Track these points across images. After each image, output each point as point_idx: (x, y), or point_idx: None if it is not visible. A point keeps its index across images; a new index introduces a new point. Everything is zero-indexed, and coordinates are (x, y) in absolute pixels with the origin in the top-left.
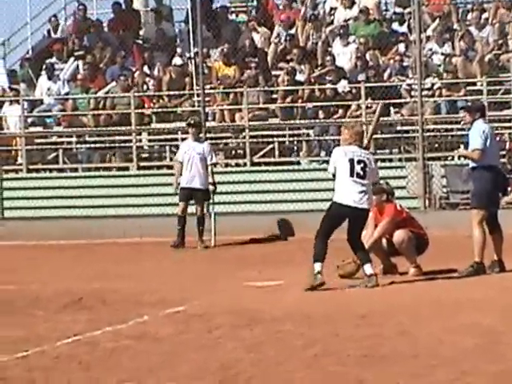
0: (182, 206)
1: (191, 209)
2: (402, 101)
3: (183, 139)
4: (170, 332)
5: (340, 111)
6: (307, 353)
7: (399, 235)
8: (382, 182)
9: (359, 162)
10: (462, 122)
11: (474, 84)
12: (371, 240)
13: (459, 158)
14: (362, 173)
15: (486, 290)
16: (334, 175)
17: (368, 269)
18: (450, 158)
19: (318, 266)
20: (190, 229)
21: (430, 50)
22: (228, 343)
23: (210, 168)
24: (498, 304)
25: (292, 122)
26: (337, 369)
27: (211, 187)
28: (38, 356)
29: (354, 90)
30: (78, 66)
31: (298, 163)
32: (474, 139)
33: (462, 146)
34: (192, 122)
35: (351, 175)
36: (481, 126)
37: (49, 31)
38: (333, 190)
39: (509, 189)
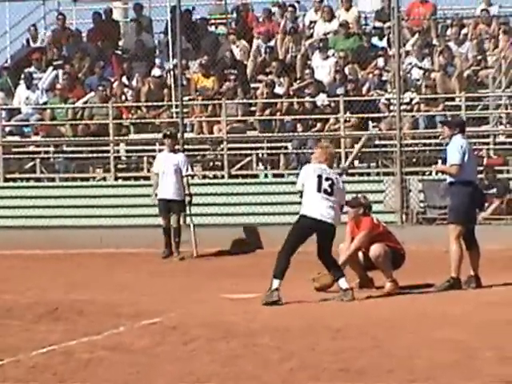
0: (163, 218)
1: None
2: (381, 115)
3: (161, 150)
4: (146, 344)
5: (318, 125)
6: (283, 367)
7: (376, 249)
8: (359, 195)
9: (327, 179)
10: (441, 137)
11: (453, 99)
12: (348, 253)
13: (437, 173)
14: (329, 189)
15: (462, 306)
16: (300, 192)
17: (343, 283)
18: (427, 173)
19: (276, 283)
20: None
21: (410, 64)
22: (204, 356)
23: (185, 179)
24: (473, 320)
25: (270, 134)
26: (312, 383)
27: (187, 198)
28: (13, 366)
29: (332, 104)
30: (56, 76)
31: (282, 176)
32: (452, 154)
33: (439, 162)
34: (168, 133)
35: (318, 191)
36: (459, 141)
37: (28, 40)
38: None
39: (486, 204)
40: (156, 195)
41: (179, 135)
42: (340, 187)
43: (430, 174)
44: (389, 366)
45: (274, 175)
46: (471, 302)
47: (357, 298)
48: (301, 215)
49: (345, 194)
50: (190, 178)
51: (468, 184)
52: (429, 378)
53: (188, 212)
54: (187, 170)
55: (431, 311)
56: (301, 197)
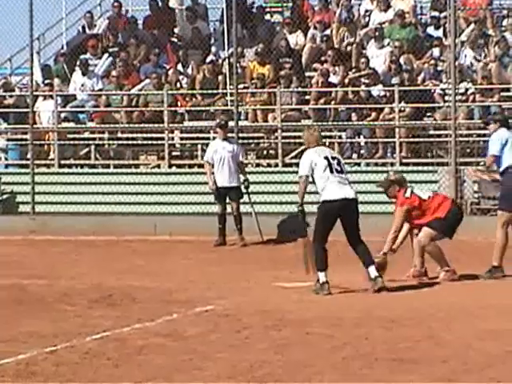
0: (220, 205)
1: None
2: (436, 105)
3: (215, 138)
4: (199, 331)
5: (373, 114)
6: (336, 356)
7: (420, 240)
8: (390, 172)
9: (333, 158)
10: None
11: (508, 90)
12: (389, 237)
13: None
14: (339, 168)
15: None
16: (306, 176)
17: (372, 271)
18: (482, 164)
19: (322, 276)
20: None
21: (465, 55)
22: (256, 344)
23: (241, 166)
24: None
25: (325, 123)
26: (365, 372)
27: (245, 183)
28: (67, 351)
29: (387, 94)
30: (112, 63)
31: None
32: (491, 145)
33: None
34: (223, 122)
35: (331, 171)
36: (500, 133)
37: (83, 27)
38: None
39: None
40: (215, 182)
41: (234, 123)
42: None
43: (485, 164)
44: (443, 356)
45: None
46: None
47: (410, 286)
48: (324, 201)
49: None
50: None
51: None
52: (483, 368)
53: (248, 199)
54: (242, 156)
55: (485, 302)
56: (302, 187)
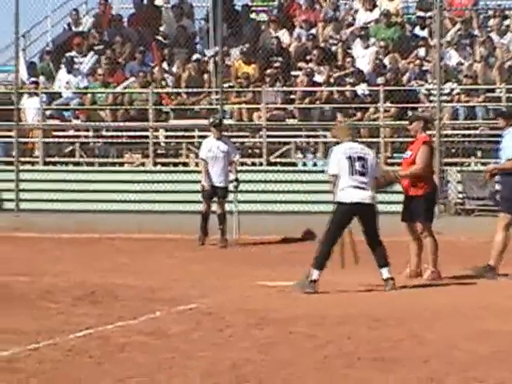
0: (206, 203)
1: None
2: (421, 105)
3: (200, 136)
4: (182, 329)
5: (358, 114)
6: (318, 354)
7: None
8: (419, 110)
9: (359, 158)
10: (498, 126)
11: (493, 90)
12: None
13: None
14: (362, 170)
15: (503, 297)
16: (334, 175)
17: (385, 273)
18: (466, 164)
19: (315, 275)
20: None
21: (451, 55)
22: (239, 342)
23: (234, 165)
24: (506, 311)
25: (310, 123)
26: (347, 372)
27: (234, 183)
28: (50, 348)
29: (372, 93)
30: (97, 61)
31: (314, 164)
32: (510, 147)
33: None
34: (217, 121)
35: (351, 173)
36: None
37: (69, 25)
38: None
39: None
40: (208, 183)
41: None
42: (373, 163)
43: (469, 164)
44: (425, 356)
45: (314, 164)
46: (506, 293)
47: (397, 287)
48: (339, 202)
49: (379, 168)
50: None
51: None
52: (466, 369)
53: (233, 198)
54: (236, 155)
55: (471, 302)
56: (333, 183)
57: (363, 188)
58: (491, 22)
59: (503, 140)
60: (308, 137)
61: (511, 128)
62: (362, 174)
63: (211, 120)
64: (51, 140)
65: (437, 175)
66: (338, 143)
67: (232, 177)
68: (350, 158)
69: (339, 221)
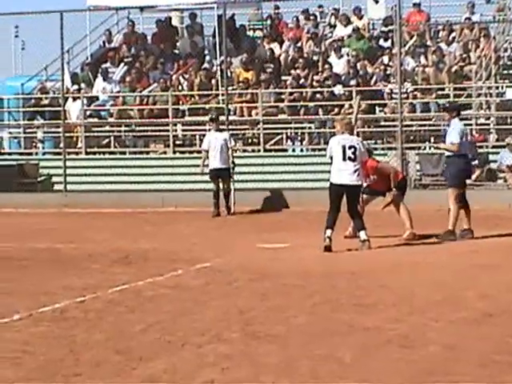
0: (214, 184)
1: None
2: (386, 102)
3: (210, 129)
4: (199, 283)
5: (336, 109)
6: (308, 301)
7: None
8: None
9: (350, 147)
10: (444, 119)
11: (443, 89)
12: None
13: (435, 148)
14: (353, 156)
15: (448, 254)
16: (331, 158)
17: (363, 235)
18: (423, 148)
19: (327, 232)
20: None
21: (408, 62)
22: (244, 293)
23: (230, 151)
24: (457, 265)
25: (297, 117)
26: (332, 315)
27: (231, 165)
28: (93, 301)
29: (347, 93)
30: (127, 70)
31: (301, 150)
32: (453, 135)
33: (433, 142)
34: (213, 117)
35: (344, 159)
36: (457, 124)
37: (104, 42)
38: (322, 172)
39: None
40: (203, 170)
41: (225, 118)
42: (362, 150)
43: (425, 148)
44: (393, 301)
45: (301, 150)
46: (456, 251)
47: (373, 247)
48: (331, 183)
49: (365, 153)
50: (233, 150)
51: (464, 157)
52: (425, 311)
53: (232, 178)
54: (231, 143)
55: (425, 258)
56: (331, 163)
57: (351, 171)
58: (441, 34)
59: (448, 130)
60: (296, 128)
61: (454, 119)
62: (353, 160)
63: (210, 115)
64: (91, 134)
65: (400, 157)
66: (334, 134)
67: (231, 160)
68: (343, 146)
69: (334, 197)
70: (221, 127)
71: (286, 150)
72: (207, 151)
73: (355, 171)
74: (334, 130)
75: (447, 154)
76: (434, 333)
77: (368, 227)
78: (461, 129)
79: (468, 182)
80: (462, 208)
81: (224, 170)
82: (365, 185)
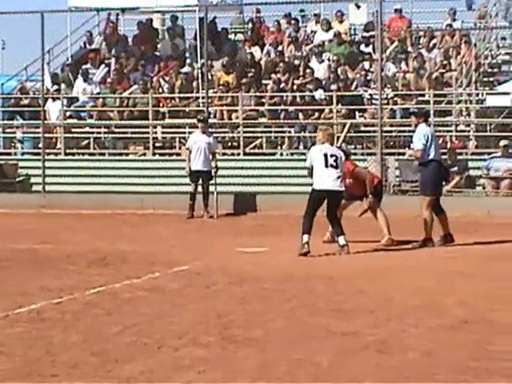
0: (194, 185)
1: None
2: (366, 107)
3: (190, 132)
4: (177, 286)
5: (316, 114)
6: (286, 306)
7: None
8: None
9: (332, 155)
10: (412, 124)
11: (423, 95)
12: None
13: (410, 155)
14: (334, 164)
15: (426, 260)
16: (310, 168)
17: (341, 240)
18: (402, 154)
19: (305, 238)
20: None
21: (389, 67)
22: (223, 297)
23: (215, 155)
24: (435, 271)
25: (277, 121)
26: (310, 319)
27: (214, 169)
28: (70, 302)
29: (327, 98)
30: (107, 72)
31: (281, 154)
32: (416, 141)
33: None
34: (202, 118)
35: (326, 166)
36: (422, 129)
37: (85, 43)
38: (302, 176)
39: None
40: (190, 168)
41: None
42: (343, 160)
43: (404, 154)
44: (370, 307)
45: (281, 154)
46: (434, 257)
47: (351, 252)
48: (313, 189)
49: (344, 165)
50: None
51: (433, 162)
52: (403, 316)
53: (214, 181)
54: (217, 147)
55: (404, 264)
56: (309, 173)
57: (333, 178)
58: (422, 41)
59: (413, 135)
60: (276, 132)
61: (420, 125)
62: (334, 167)
63: (198, 116)
64: (70, 135)
65: (379, 163)
66: (314, 138)
67: (213, 164)
68: (325, 154)
69: (313, 203)
70: (207, 130)
71: (265, 154)
72: (190, 151)
73: (338, 177)
74: (316, 137)
75: (423, 160)
76: (413, 339)
77: (346, 233)
78: (424, 134)
79: (447, 188)
80: (437, 215)
81: (205, 172)
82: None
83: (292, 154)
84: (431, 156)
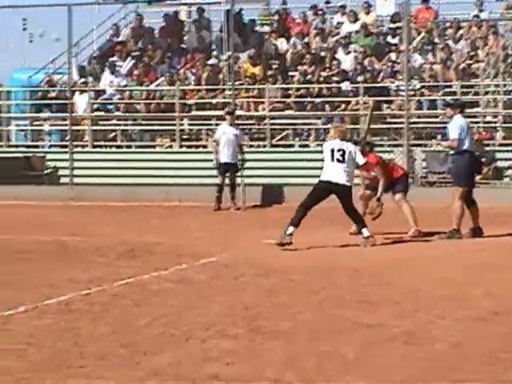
0: (221, 177)
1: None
2: (392, 98)
3: (216, 125)
4: (204, 278)
5: (342, 105)
6: (313, 298)
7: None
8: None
9: (338, 150)
10: (446, 115)
11: (451, 87)
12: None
13: (437, 145)
14: (341, 158)
15: (455, 251)
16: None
17: (365, 232)
18: (429, 145)
19: (291, 229)
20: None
21: (416, 59)
22: (250, 288)
23: (242, 147)
24: (463, 262)
25: (304, 113)
26: (336, 311)
27: (241, 162)
28: (99, 294)
29: (353, 89)
30: (134, 64)
31: (307, 146)
32: (453, 131)
33: (438, 137)
34: (230, 110)
35: (332, 160)
36: (458, 120)
37: (111, 36)
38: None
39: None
40: (217, 160)
41: None
42: (352, 156)
43: (431, 146)
44: (397, 298)
45: (306, 145)
46: (461, 248)
47: (377, 243)
48: (319, 180)
49: (356, 160)
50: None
51: (467, 153)
52: (431, 307)
53: (241, 173)
54: (243, 140)
55: (430, 254)
56: None
57: (338, 171)
58: (448, 32)
59: (448, 126)
60: (302, 124)
61: (456, 115)
62: (341, 162)
63: (226, 109)
64: (98, 128)
65: (406, 155)
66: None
67: (239, 157)
68: (332, 149)
69: (316, 193)
70: (235, 122)
71: (292, 146)
72: (218, 143)
73: (343, 171)
74: (328, 135)
75: (452, 151)
76: (440, 330)
77: (372, 225)
78: (460, 124)
79: (477, 178)
80: (468, 207)
81: (232, 164)
82: (367, 181)
83: (318, 146)
84: (465, 146)
